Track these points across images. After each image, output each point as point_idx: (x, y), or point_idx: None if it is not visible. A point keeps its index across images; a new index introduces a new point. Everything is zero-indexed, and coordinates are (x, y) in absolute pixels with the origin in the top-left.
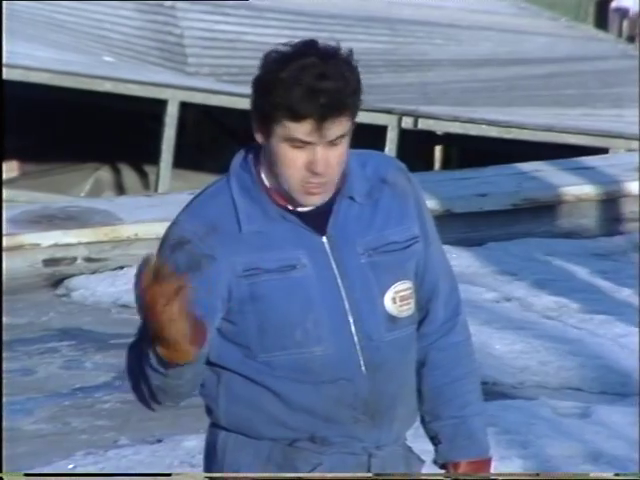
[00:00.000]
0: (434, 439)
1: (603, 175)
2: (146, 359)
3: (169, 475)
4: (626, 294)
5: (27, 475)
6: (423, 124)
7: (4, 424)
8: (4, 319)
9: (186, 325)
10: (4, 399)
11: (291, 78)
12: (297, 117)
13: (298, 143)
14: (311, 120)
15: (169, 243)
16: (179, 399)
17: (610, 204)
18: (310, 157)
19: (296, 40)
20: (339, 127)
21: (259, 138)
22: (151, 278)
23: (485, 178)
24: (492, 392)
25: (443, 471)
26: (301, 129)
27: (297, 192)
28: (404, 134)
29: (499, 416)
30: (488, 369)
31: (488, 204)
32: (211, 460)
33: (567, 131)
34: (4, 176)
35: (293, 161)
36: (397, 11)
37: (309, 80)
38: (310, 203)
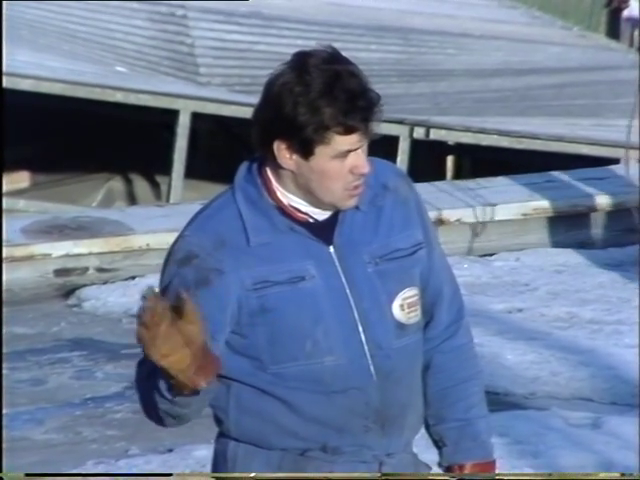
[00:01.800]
0: (438, 442)
1: (614, 185)
2: (154, 384)
3: (170, 475)
4: (637, 304)
5: (28, 475)
6: (435, 134)
7: (15, 434)
8: (15, 329)
9: (186, 356)
10: (15, 409)
11: (338, 93)
12: (349, 131)
13: (345, 154)
14: (360, 129)
15: (176, 258)
16: (185, 422)
17: (621, 214)
18: (354, 162)
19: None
20: (372, 126)
21: (288, 164)
22: (153, 314)
23: (496, 188)
24: (503, 402)
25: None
26: (350, 140)
27: (341, 199)
28: (416, 144)
29: (510, 426)
30: (499, 379)
31: (499, 214)
32: (220, 470)
33: (579, 141)
34: (15, 186)
35: (339, 172)
36: (409, 21)
37: (354, 92)
38: (351, 205)
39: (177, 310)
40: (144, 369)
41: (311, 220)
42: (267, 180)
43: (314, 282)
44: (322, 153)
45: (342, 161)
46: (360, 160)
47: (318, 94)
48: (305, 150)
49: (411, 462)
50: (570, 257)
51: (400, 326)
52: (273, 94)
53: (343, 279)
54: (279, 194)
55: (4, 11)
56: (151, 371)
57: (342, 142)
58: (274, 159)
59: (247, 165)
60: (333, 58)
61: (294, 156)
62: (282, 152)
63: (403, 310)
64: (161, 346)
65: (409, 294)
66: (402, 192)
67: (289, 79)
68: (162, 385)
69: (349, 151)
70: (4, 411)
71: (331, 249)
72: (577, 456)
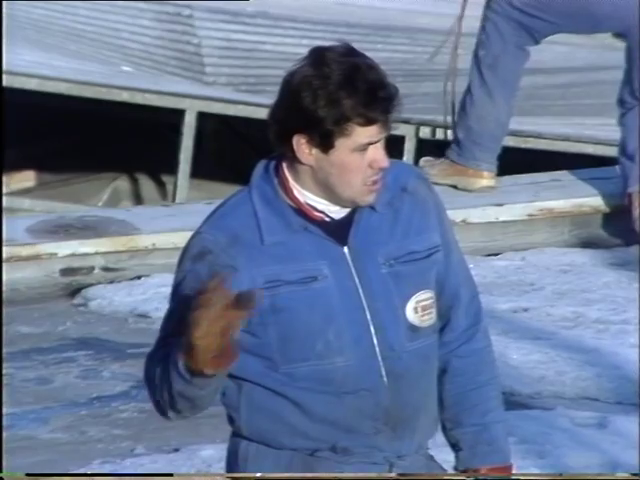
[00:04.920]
0: (455, 446)
1: (620, 185)
2: (174, 363)
3: (170, 475)
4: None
5: (28, 475)
6: (441, 134)
7: (21, 433)
8: (21, 328)
9: (216, 343)
10: (21, 408)
11: (358, 84)
12: (369, 122)
13: (365, 147)
14: (380, 121)
15: (190, 254)
16: (196, 409)
17: (627, 214)
18: (373, 155)
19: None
20: (391, 119)
21: (308, 159)
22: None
23: (502, 188)
24: (509, 402)
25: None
26: (371, 132)
27: (360, 194)
28: (422, 144)
29: (516, 426)
30: (505, 379)
31: (504, 214)
32: (233, 469)
33: (584, 141)
34: (20, 186)
35: (359, 165)
36: (415, 20)
37: (374, 83)
38: (370, 201)
39: (237, 300)
40: (157, 356)
41: (327, 219)
42: (284, 179)
43: (327, 282)
44: (342, 146)
45: (362, 154)
46: (379, 154)
47: (338, 86)
48: (325, 143)
49: (423, 464)
50: (576, 257)
51: (413, 328)
52: (292, 89)
53: (356, 280)
54: (296, 192)
55: (4, 10)
56: (168, 355)
57: (362, 134)
58: (293, 156)
59: (264, 164)
60: (350, 52)
61: (314, 150)
62: (301, 147)
63: (417, 313)
64: (204, 324)
65: (423, 297)
66: (421, 194)
67: (307, 72)
68: (181, 364)
69: (369, 144)
70: (10, 410)
71: (345, 249)
72: (583, 456)
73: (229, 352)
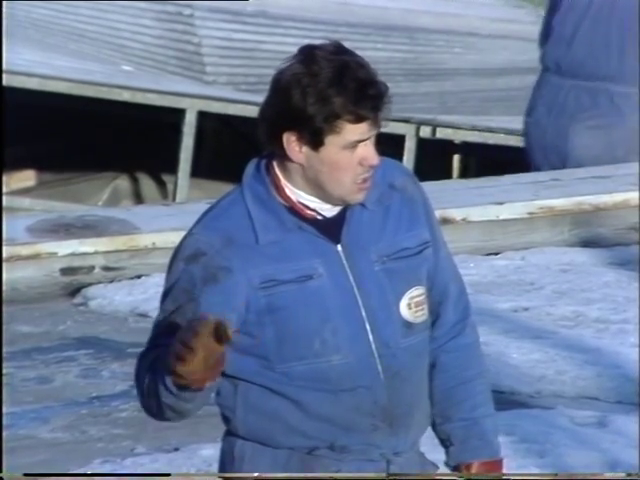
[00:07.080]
0: (445, 442)
1: (620, 184)
2: (161, 378)
3: (168, 475)
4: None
5: (27, 475)
6: (441, 133)
7: (21, 432)
8: (22, 328)
9: (200, 367)
10: (21, 408)
11: (347, 82)
12: (359, 119)
13: (355, 144)
14: (369, 118)
15: (183, 255)
16: (184, 418)
17: (627, 213)
18: (363, 153)
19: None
20: (381, 117)
21: (298, 157)
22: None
23: (502, 187)
24: (509, 401)
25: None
26: (360, 129)
27: (350, 192)
28: (422, 143)
29: (516, 425)
30: (505, 378)
31: (505, 213)
32: (227, 468)
33: None
34: (21, 185)
35: (349, 163)
36: (416, 20)
37: (363, 81)
38: (360, 200)
39: (216, 330)
40: (146, 361)
41: (319, 217)
42: (275, 177)
43: (322, 281)
44: (332, 143)
45: (352, 152)
46: (369, 152)
47: (327, 84)
48: (315, 140)
49: (418, 461)
50: (576, 256)
51: (407, 325)
52: (281, 87)
53: (351, 278)
54: (287, 191)
55: (4, 10)
56: (156, 365)
57: (352, 131)
58: (283, 154)
59: (255, 163)
60: (340, 50)
61: (304, 148)
62: (292, 144)
63: (410, 309)
64: (186, 356)
65: (416, 293)
66: (409, 191)
67: (297, 70)
68: (168, 380)
69: (359, 141)
70: (10, 409)
71: (339, 247)
72: (583, 455)
73: (215, 364)
